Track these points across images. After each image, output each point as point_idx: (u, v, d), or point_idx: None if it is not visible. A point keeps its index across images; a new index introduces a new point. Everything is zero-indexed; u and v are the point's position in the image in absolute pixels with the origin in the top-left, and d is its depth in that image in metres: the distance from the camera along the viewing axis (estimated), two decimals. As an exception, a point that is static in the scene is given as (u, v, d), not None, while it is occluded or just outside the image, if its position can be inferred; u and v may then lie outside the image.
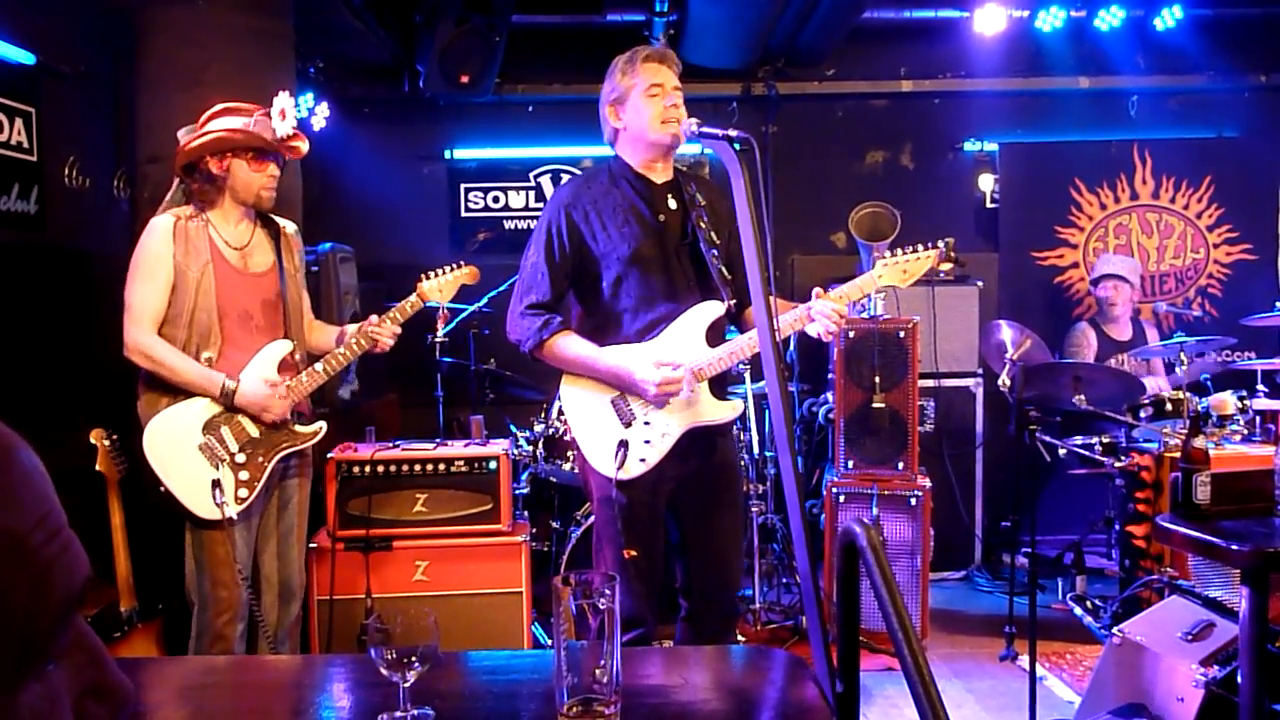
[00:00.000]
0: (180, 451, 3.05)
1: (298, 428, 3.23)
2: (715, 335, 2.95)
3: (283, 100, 3.14)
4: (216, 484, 3.03)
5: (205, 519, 3.04)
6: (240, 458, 3.10)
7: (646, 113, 2.89)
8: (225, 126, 3.09)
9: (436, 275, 3.35)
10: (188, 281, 3.05)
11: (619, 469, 2.87)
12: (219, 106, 3.16)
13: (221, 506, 3.00)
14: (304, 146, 3.20)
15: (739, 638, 4.34)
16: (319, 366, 3.20)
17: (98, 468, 3.23)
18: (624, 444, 2.89)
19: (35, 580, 0.64)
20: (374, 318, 3.25)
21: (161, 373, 3.03)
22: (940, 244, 3.01)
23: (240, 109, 3.15)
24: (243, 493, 3.09)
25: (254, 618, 3.17)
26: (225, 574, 3.07)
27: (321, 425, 3.29)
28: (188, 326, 3.06)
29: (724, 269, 2.93)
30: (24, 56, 3.81)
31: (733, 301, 2.94)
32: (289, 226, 3.37)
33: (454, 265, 3.38)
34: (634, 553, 2.89)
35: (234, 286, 3.13)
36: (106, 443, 3.25)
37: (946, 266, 3.07)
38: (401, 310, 3.27)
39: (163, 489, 3.03)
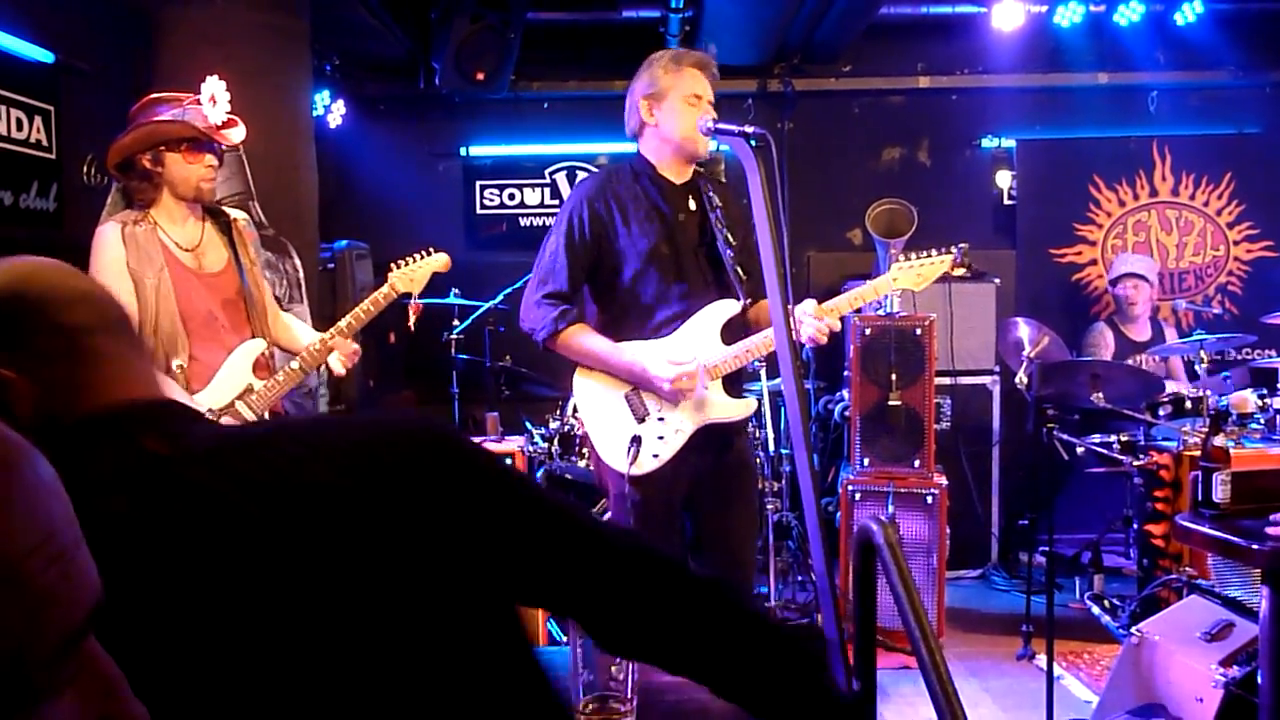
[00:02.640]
0: None
1: None
2: (730, 333, 2.95)
3: (212, 85, 2.99)
4: None
5: None
6: None
7: (682, 121, 2.90)
8: (154, 119, 2.95)
9: (406, 264, 3.27)
10: (145, 290, 2.92)
11: (631, 465, 2.87)
12: (149, 97, 3.03)
13: None
14: (237, 135, 3.02)
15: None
16: (279, 376, 3.09)
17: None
18: (637, 440, 2.89)
19: (29, 612, 0.58)
20: (341, 322, 3.15)
21: None
22: (954, 249, 3.04)
23: (170, 98, 3.01)
24: None
25: None
26: None
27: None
28: (153, 336, 2.93)
29: (740, 269, 2.94)
30: (43, 55, 3.83)
31: (748, 301, 2.95)
32: (239, 217, 3.24)
33: (424, 252, 3.31)
34: None
35: (193, 290, 3.01)
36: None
37: (960, 271, 3.08)
38: (374, 302, 3.18)
39: None
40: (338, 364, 3.17)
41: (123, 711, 0.70)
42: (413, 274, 3.26)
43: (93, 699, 0.67)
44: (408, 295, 3.29)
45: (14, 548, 0.58)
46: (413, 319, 3.37)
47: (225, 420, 3.00)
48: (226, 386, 3.05)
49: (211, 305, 3.04)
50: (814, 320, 2.84)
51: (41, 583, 0.59)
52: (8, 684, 0.58)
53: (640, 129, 3.01)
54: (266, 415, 3.10)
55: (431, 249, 3.32)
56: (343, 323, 3.16)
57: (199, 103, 2.98)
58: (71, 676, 0.65)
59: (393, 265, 3.27)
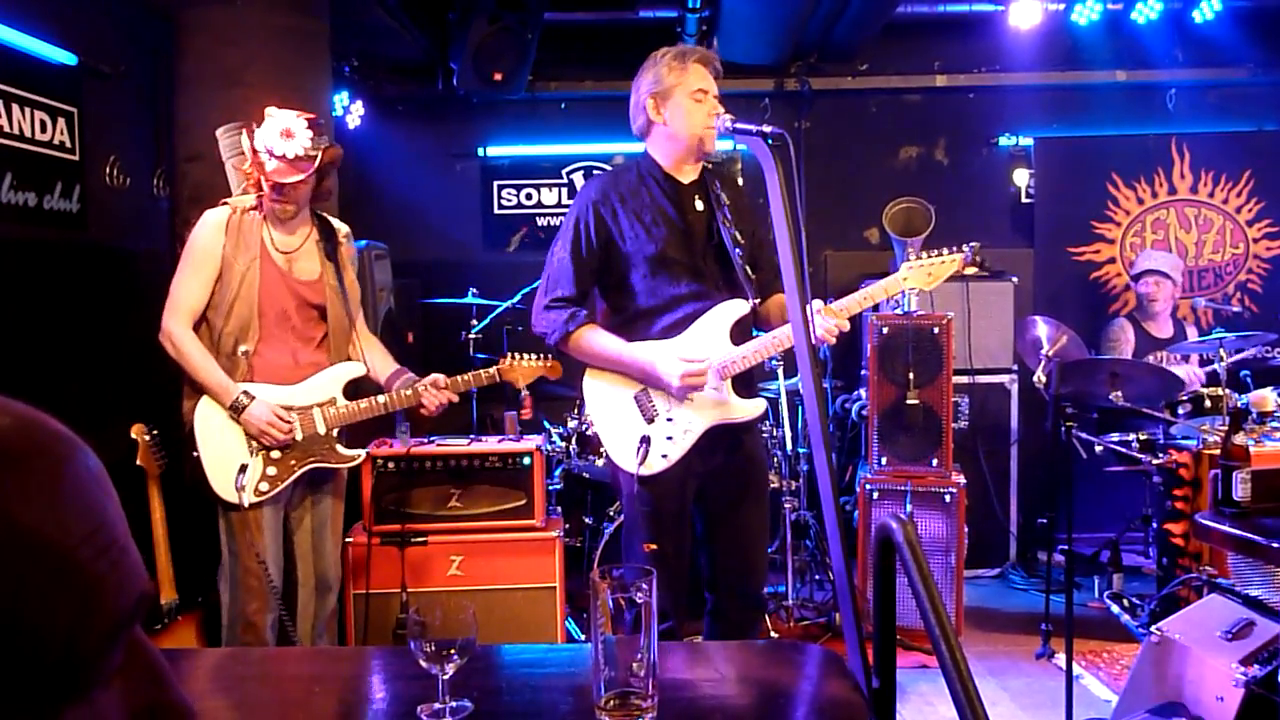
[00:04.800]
0: (224, 428, 3.12)
1: (339, 448, 3.27)
2: (740, 333, 2.95)
3: (284, 119, 3.04)
4: (243, 468, 3.08)
5: (222, 498, 3.10)
6: (275, 454, 3.15)
7: (691, 117, 2.89)
8: (252, 145, 3.05)
9: (521, 359, 3.39)
10: (234, 274, 3.09)
11: (640, 465, 2.87)
12: (268, 110, 3.10)
13: (240, 491, 3.05)
14: (293, 176, 3.05)
15: (771, 633, 4.34)
16: (362, 403, 3.24)
17: (138, 462, 3.27)
18: (646, 440, 2.89)
19: (80, 600, 0.60)
20: (440, 378, 3.26)
21: (183, 366, 3.09)
22: (966, 247, 3.03)
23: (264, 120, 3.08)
24: (264, 486, 3.13)
25: (282, 616, 3.20)
26: (251, 561, 3.12)
27: (361, 453, 3.35)
28: (227, 317, 3.11)
29: (748, 268, 2.94)
30: (66, 57, 3.87)
31: (757, 301, 2.95)
32: (343, 231, 3.36)
33: (542, 356, 3.41)
34: (654, 546, 2.90)
35: (276, 286, 3.16)
36: (147, 437, 3.29)
37: (971, 270, 3.08)
38: (477, 377, 3.32)
39: (195, 453, 3.10)
40: (431, 402, 3.25)
41: (169, 700, 0.72)
42: (520, 368, 3.40)
43: (140, 687, 0.69)
44: (511, 384, 3.44)
45: (65, 537, 0.60)
46: (524, 413, 3.67)
47: (296, 419, 3.15)
48: (314, 392, 3.21)
49: (288, 305, 3.18)
50: (821, 321, 2.84)
51: (92, 572, 0.61)
52: (59, 670, 0.60)
53: (648, 128, 3.00)
54: (335, 432, 3.23)
55: (550, 355, 3.38)
56: (442, 381, 3.26)
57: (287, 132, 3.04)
58: (120, 665, 0.66)
59: (509, 355, 3.40)
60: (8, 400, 0.63)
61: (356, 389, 3.33)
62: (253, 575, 3.13)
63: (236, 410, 3.09)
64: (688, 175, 3.01)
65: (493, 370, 3.36)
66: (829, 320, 2.85)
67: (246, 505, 3.08)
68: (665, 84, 2.92)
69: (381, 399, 3.25)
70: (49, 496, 0.60)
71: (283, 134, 3.04)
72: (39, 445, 0.62)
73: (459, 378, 3.30)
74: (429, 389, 3.24)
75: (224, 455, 3.11)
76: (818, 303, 2.90)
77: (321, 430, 3.21)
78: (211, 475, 3.10)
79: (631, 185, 2.98)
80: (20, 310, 3.60)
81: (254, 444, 3.12)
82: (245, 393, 3.10)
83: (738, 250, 2.93)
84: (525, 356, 3.40)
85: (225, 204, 3.16)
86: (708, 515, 3.04)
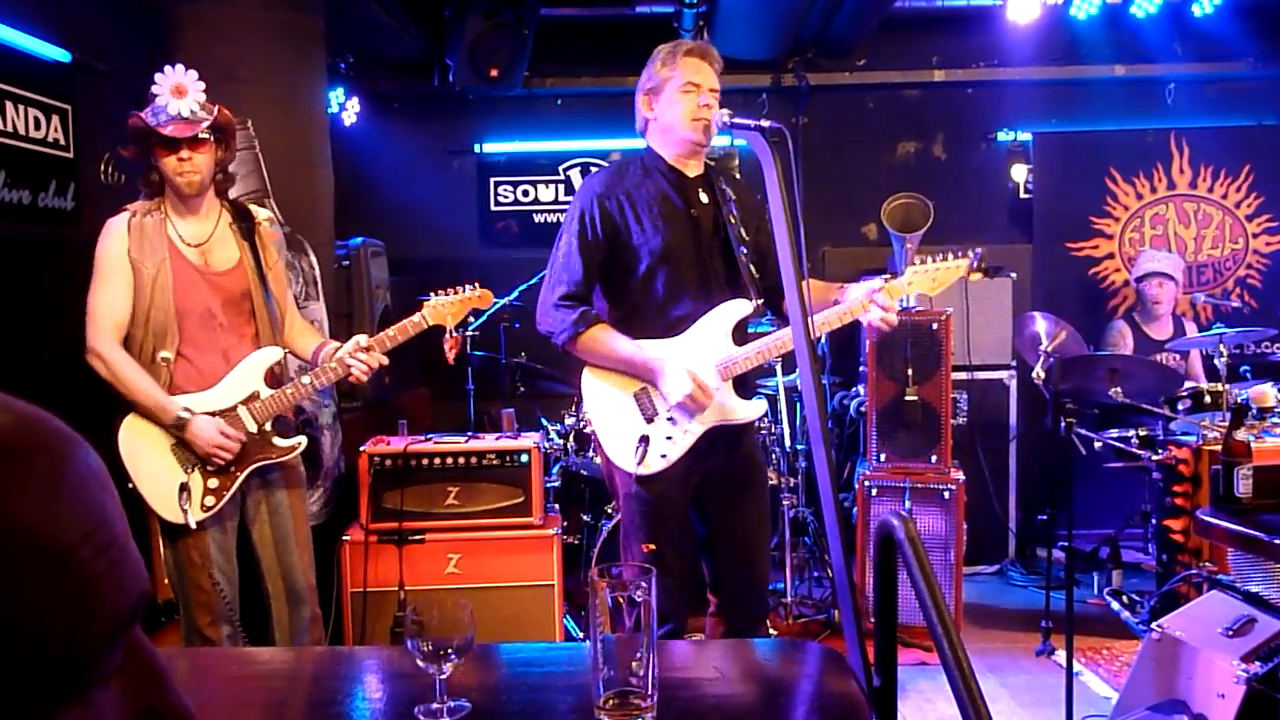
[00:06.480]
0: (153, 451, 2.93)
1: (276, 440, 3.06)
2: (741, 333, 2.92)
3: (175, 76, 2.89)
4: (184, 488, 2.91)
5: (168, 522, 2.94)
6: (211, 465, 2.96)
7: (678, 108, 2.86)
8: (139, 112, 2.91)
9: (443, 294, 3.11)
10: (144, 280, 2.92)
11: (639, 464, 2.84)
12: (157, 75, 2.95)
13: (185, 512, 2.89)
14: (189, 132, 2.89)
15: (771, 631, 4.33)
16: (288, 389, 3.02)
17: (134, 461, 3.25)
18: (645, 439, 2.85)
19: (79, 599, 0.60)
20: (363, 339, 3.02)
21: (117, 386, 2.91)
22: (971, 253, 2.98)
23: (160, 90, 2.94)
24: (209, 500, 2.96)
25: (244, 625, 3.09)
26: (200, 576, 2.97)
27: (301, 440, 3.11)
28: (144, 325, 2.93)
29: (753, 267, 2.91)
30: (60, 54, 3.84)
31: (760, 301, 2.91)
32: (264, 219, 3.16)
33: (466, 286, 3.14)
34: (652, 546, 2.86)
35: (193, 285, 2.97)
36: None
37: (976, 277, 3.05)
38: (402, 330, 3.06)
39: (130, 485, 2.92)
40: (359, 370, 3.02)
41: (168, 703, 0.72)
42: (448, 307, 3.09)
43: (139, 688, 0.69)
44: (442, 327, 3.11)
45: (64, 535, 0.60)
46: (450, 353, 3.12)
47: (223, 423, 2.96)
48: (233, 390, 3.01)
49: (211, 303, 2.99)
50: (887, 304, 2.84)
51: (91, 570, 0.61)
52: (56, 669, 0.60)
53: (645, 126, 2.99)
54: (268, 426, 3.03)
55: (478, 284, 3.14)
56: (365, 342, 3.03)
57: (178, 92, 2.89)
58: (119, 665, 0.66)
59: (431, 294, 3.12)
60: (8, 397, 0.62)
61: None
62: (200, 590, 2.97)
63: (179, 428, 2.90)
64: (692, 169, 2.97)
65: (418, 317, 3.07)
66: (883, 303, 2.83)
67: (195, 526, 2.91)
68: (657, 80, 2.90)
69: (306, 379, 3.01)
70: (49, 494, 0.60)
71: (174, 91, 2.88)
72: (40, 443, 0.62)
73: (384, 333, 3.05)
74: (353, 355, 2.99)
75: (160, 478, 2.93)
76: (877, 280, 2.88)
77: (252, 428, 3.00)
78: (154, 502, 2.92)
79: (636, 178, 2.94)
80: (14, 308, 3.59)
81: (188, 459, 2.94)
82: (186, 409, 2.92)
83: (743, 248, 2.89)
84: (448, 293, 3.10)
85: (125, 209, 2.99)
86: (708, 517, 3.01)
